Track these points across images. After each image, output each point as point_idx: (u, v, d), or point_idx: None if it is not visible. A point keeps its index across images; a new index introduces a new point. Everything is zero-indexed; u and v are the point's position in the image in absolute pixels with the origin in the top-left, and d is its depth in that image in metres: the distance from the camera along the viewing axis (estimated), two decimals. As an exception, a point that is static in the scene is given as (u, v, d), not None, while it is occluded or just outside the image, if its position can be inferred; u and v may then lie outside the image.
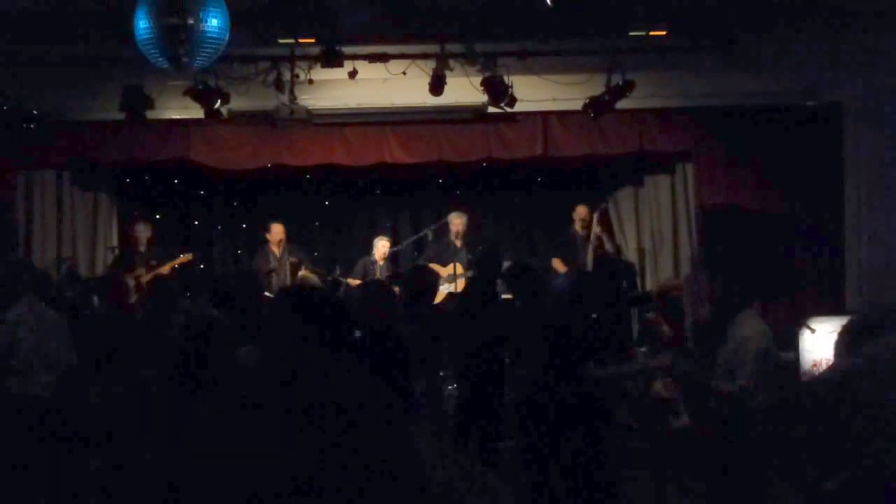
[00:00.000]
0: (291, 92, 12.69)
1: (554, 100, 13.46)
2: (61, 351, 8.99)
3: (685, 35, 12.54)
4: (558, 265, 14.69)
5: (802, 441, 6.14)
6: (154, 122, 13.27)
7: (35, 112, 12.92)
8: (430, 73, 12.56)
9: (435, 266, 14.43)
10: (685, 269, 14.93)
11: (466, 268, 14.01)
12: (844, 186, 14.04)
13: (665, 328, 9.67)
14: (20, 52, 12.55)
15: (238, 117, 13.60)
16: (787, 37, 12.56)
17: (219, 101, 12.51)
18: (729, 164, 14.29)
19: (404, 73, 12.85)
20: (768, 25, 12.43)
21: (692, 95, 13.85)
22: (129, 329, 9.19)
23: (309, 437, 3.77)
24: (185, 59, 8.71)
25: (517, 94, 12.61)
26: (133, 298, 13.88)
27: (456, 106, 13.44)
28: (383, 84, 13.18)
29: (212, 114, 12.81)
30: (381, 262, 15.26)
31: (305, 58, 12.54)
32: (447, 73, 12.53)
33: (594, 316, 7.96)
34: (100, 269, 14.74)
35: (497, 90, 12.47)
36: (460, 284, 13.64)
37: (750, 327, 7.47)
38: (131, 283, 13.94)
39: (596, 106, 12.96)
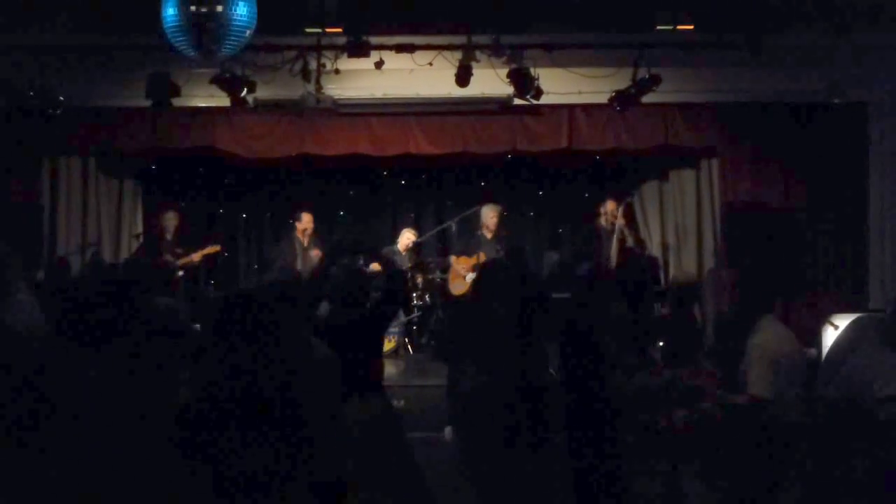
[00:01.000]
0: (318, 81, 12.68)
1: (580, 93, 13.46)
2: None
3: (711, 30, 12.52)
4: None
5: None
6: (180, 109, 13.32)
7: (61, 99, 12.92)
8: (457, 65, 12.54)
9: (462, 258, 14.56)
10: (708, 264, 14.92)
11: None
12: (868, 184, 14.03)
13: None
14: (47, 39, 12.60)
15: (264, 106, 13.61)
16: (813, 33, 12.51)
17: (245, 89, 12.52)
18: (753, 160, 14.28)
19: (431, 63, 12.84)
20: (794, 22, 12.39)
21: (718, 91, 13.84)
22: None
23: None
24: (212, 48, 8.74)
25: (543, 87, 12.62)
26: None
27: (482, 97, 13.45)
28: (409, 75, 13.15)
29: (238, 102, 12.83)
30: (404, 253, 15.32)
31: (332, 47, 12.52)
32: (473, 64, 12.51)
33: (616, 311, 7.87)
34: (124, 257, 14.75)
35: (523, 82, 12.47)
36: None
37: (762, 334, 7.28)
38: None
39: (622, 100, 12.95)
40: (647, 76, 12.50)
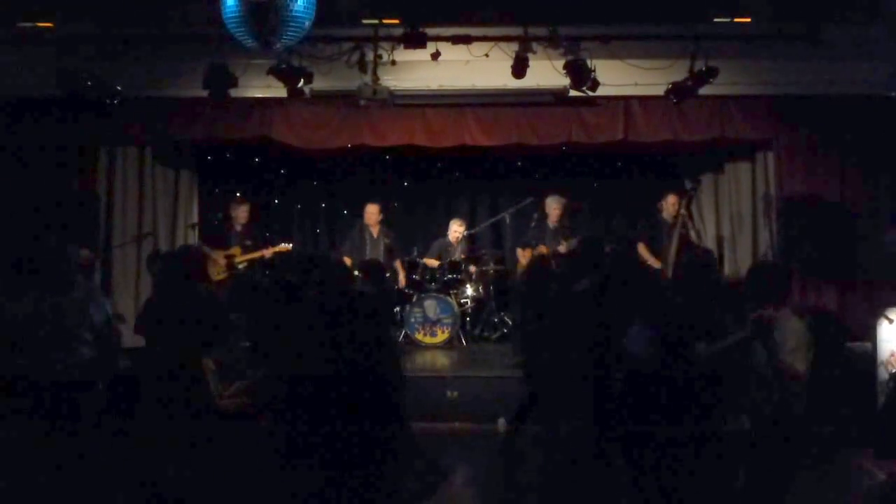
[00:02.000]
0: (374, 73, 12.69)
1: (636, 84, 13.43)
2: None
3: (768, 22, 12.47)
4: (643, 251, 14.65)
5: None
6: (237, 100, 13.34)
7: (119, 89, 13.00)
8: (513, 56, 12.56)
9: (527, 250, 14.65)
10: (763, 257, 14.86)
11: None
12: (923, 177, 13.96)
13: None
14: (106, 29, 12.68)
15: (320, 97, 13.67)
16: (870, 26, 12.44)
17: (302, 80, 12.59)
18: (810, 152, 14.16)
19: (487, 55, 12.86)
20: (851, 14, 12.33)
21: (774, 83, 13.75)
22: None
23: None
24: (271, 39, 8.79)
25: (599, 79, 12.59)
26: (222, 275, 14.13)
27: (537, 89, 13.44)
28: (465, 66, 13.18)
29: (295, 93, 12.90)
30: (455, 244, 15.38)
31: (388, 39, 12.56)
32: (530, 55, 12.53)
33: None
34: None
35: (579, 74, 12.44)
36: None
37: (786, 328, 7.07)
38: (222, 260, 14.19)
39: (678, 91, 12.91)
40: (703, 68, 12.43)
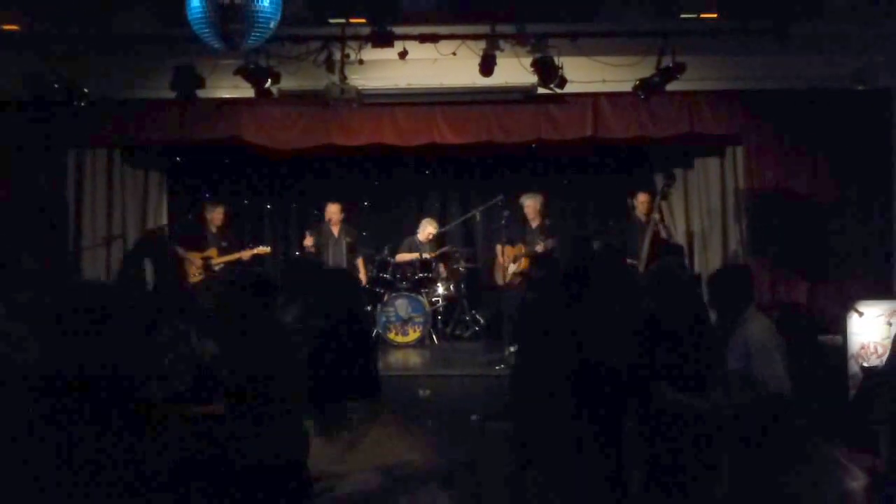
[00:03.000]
0: (342, 72, 12.66)
1: (604, 81, 13.45)
2: None
3: (736, 17, 12.48)
4: None
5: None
6: (205, 100, 13.29)
7: (86, 91, 12.94)
8: (480, 54, 12.53)
9: (507, 247, 14.61)
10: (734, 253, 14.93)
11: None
12: (893, 170, 14.00)
13: None
14: (72, 30, 12.62)
15: (288, 97, 13.67)
16: (838, 21, 12.47)
17: (269, 80, 12.55)
18: (779, 147, 14.24)
19: (454, 53, 12.80)
20: (820, 9, 12.34)
21: (742, 78, 13.83)
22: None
23: None
24: (237, 39, 8.75)
25: (567, 76, 12.58)
26: (198, 276, 14.13)
27: (506, 87, 13.46)
28: (433, 64, 13.15)
29: (262, 93, 12.84)
30: (425, 243, 15.40)
31: (356, 38, 12.49)
32: (497, 53, 12.48)
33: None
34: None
35: (547, 71, 12.43)
36: (523, 263, 13.78)
37: (753, 325, 6.96)
38: (198, 262, 14.19)
39: (646, 88, 12.91)
40: (671, 64, 12.45)
